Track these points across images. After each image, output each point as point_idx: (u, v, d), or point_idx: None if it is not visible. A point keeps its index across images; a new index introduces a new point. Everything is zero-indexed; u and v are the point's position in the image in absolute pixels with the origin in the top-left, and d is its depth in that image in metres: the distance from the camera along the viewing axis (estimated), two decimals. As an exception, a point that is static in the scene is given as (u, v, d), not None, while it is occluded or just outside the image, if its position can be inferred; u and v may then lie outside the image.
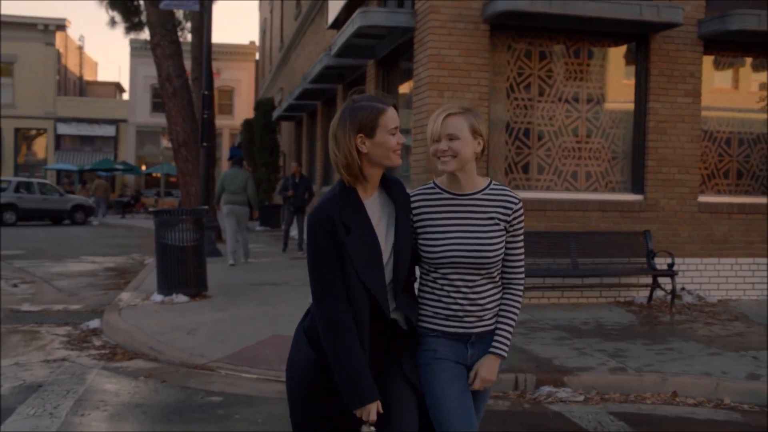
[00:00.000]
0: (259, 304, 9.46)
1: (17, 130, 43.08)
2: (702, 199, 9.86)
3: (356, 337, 2.52)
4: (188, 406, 5.45)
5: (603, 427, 5.20)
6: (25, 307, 9.92)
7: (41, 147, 44.56)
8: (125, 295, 10.21)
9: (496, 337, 2.77)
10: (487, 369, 2.75)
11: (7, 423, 4.91)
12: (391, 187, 2.77)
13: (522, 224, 2.80)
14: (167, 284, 9.74)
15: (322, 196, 2.67)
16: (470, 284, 2.73)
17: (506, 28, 9.24)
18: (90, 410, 5.28)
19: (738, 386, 6.09)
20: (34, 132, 44.15)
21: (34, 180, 30.73)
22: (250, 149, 29.02)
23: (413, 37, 9.64)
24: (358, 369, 2.51)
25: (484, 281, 2.74)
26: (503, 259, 2.79)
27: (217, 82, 43.64)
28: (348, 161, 2.59)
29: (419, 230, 2.77)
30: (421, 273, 2.84)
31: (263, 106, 27.34)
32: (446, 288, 2.74)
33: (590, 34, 9.52)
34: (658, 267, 9.31)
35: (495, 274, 2.78)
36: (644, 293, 9.54)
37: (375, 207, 2.69)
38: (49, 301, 10.36)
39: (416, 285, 2.85)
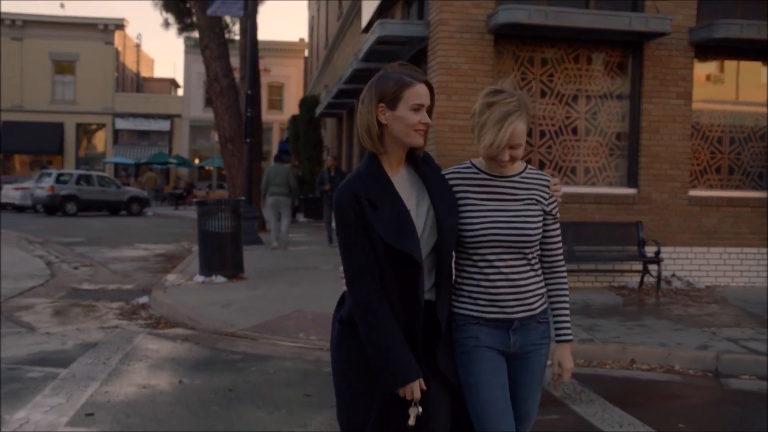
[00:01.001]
0: (289, 285, 10.61)
1: (78, 125, 45.26)
2: (692, 193, 10.70)
3: (392, 317, 2.46)
4: (214, 361, 6.63)
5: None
6: (85, 286, 11.23)
7: (101, 141, 46.70)
8: (171, 277, 11.47)
9: (559, 324, 2.75)
10: (567, 358, 2.73)
11: (71, 367, 6.16)
12: (419, 163, 2.67)
13: (557, 207, 2.78)
14: (207, 267, 10.96)
15: (348, 174, 2.63)
16: (511, 266, 2.66)
17: (510, 37, 10.22)
18: (135, 362, 6.50)
19: (687, 354, 7.00)
20: (94, 127, 46.29)
21: (94, 173, 32.55)
22: (295, 144, 30.35)
23: (427, 45, 10.69)
24: (397, 347, 2.43)
25: (524, 263, 2.69)
26: (542, 244, 2.76)
27: (268, 78, 45.28)
28: (369, 126, 2.54)
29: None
30: (458, 258, 2.75)
31: (307, 103, 28.61)
32: (486, 271, 2.67)
33: (588, 42, 10.43)
34: (648, 255, 10.20)
35: (533, 257, 2.73)
36: (637, 279, 10.44)
37: (403, 183, 2.61)
38: (105, 282, 11.67)
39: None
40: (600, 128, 10.70)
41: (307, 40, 46.01)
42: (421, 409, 2.45)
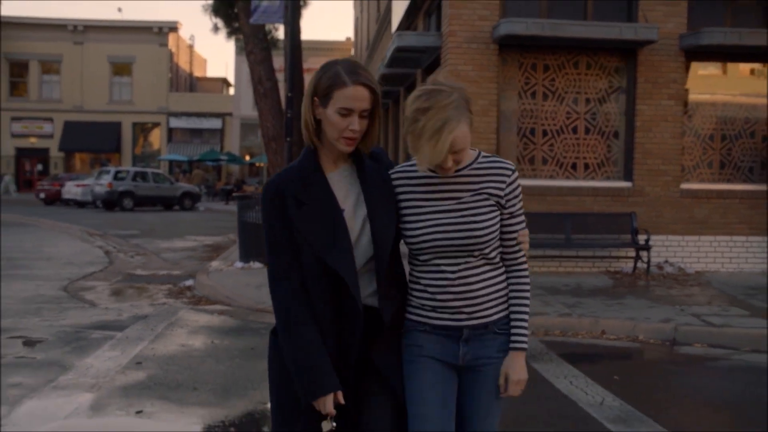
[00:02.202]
0: (317, 270, 11.88)
1: (135, 124, 47.43)
2: (684, 186, 11.65)
3: (311, 326, 2.32)
4: (243, 329, 7.94)
5: (529, 348, 7.30)
6: (139, 272, 12.67)
7: (156, 139, 48.80)
8: (214, 263, 12.86)
9: (514, 330, 2.48)
10: (516, 369, 2.46)
11: (125, 331, 7.53)
12: (364, 159, 2.47)
13: (519, 197, 2.50)
14: (246, 254, 12.32)
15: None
16: (460, 269, 2.43)
17: (513, 46, 11.30)
18: (177, 328, 7.84)
19: (650, 326, 8.03)
20: (149, 125, 48.39)
21: (149, 170, 34.40)
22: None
23: (440, 54, 11.84)
24: (313, 356, 2.31)
25: (479, 264, 2.44)
26: (502, 240, 2.49)
27: (314, 77, 46.77)
28: (305, 117, 2.39)
29: (400, 212, 2.48)
30: (409, 261, 2.54)
31: (347, 102, 29.90)
32: (434, 275, 2.44)
33: (586, 49, 11.45)
34: (640, 243, 11.20)
35: (492, 256, 2.47)
36: (631, 264, 11.45)
37: (341, 181, 2.44)
38: (157, 268, 13.10)
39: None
40: (598, 127, 11.72)
41: (353, 39, 47.35)
42: (335, 425, 2.34)
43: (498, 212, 2.45)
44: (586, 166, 11.72)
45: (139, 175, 32.38)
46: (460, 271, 2.42)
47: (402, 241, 2.52)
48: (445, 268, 2.43)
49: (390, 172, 2.52)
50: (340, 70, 2.33)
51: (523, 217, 2.52)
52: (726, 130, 11.99)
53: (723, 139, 11.97)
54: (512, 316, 2.51)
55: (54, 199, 35.02)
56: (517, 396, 2.49)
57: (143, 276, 12.14)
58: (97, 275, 12.12)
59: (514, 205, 2.48)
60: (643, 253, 11.20)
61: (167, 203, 32.82)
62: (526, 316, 2.51)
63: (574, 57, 11.58)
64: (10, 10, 60.31)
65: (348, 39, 51.60)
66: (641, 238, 11.27)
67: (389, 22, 20.77)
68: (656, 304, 9.15)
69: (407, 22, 15.91)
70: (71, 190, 33.52)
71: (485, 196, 2.43)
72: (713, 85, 12.11)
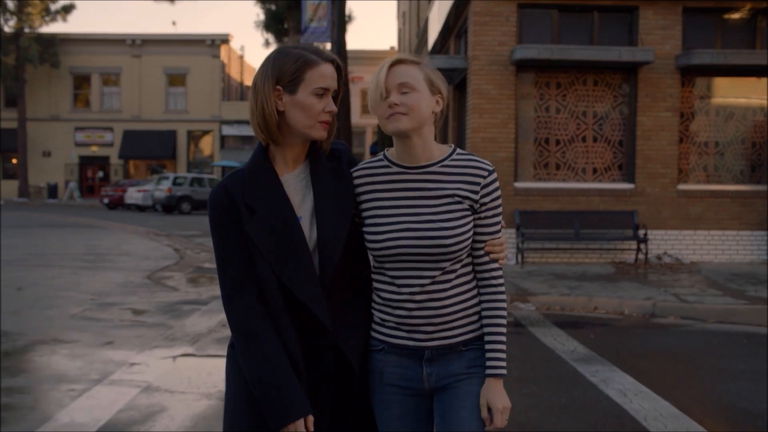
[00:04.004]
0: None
1: (189, 132, 50.02)
2: (681, 186, 13.28)
3: (277, 343, 2.10)
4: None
5: (529, 317, 9.08)
6: (207, 265, 14.68)
7: (208, 146, 51.33)
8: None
9: (490, 354, 2.23)
10: (498, 398, 2.21)
11: (207, 305, 9.53)
12: (321, 158, 2.25)
13: (497, 201, 2.22)
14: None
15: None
16: (425, 282, 2.17)
17: (529, 67, 13.07)
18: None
19: (634, 303, 9.73)
20: (199, 133, 50.96)
21: (205, 176, 36.77)
22: (382, 147, 33.75)
23: (466, 75, 13.66)
24: (280, 378, 2.08)
25: (447, 278, 2.19)
26: (474, 249, 2.24)
27: (361, 85, 48.91)
28: (265, 114, 2.13)
29: (362, 215, 2.26)
30: (372, 269, 2.31)
31: (389, 111, 31.88)
32: (396, 288, 2.21)
33: (593, 68, 13.16)
34: (641, 237, 12.87)
35: (460, 268, 2.22)
36: (633, 255, 13.11)
37: (296, 184, 2.21)
38: (222, 262, 15.11)
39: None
40: (604, 136, 13.41)
41: (396, 49, 49.27)
42: None
43: (471, 218, 2.21)
44: (594, 170, 13.42)
45: (196, 181, 34.72)
46: (425, 284, 2.19)
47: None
48: (408, 280, 2.20)
49: (352, 170, 2.31)
50: (302, 51, 2.17)
51: (499, 227, 2.27)
52: (719, 137, 13.58)
53: (716, 146, 13.57)
54: (487, 338, 2.25)
55: (116, 204, 37.51)
56: (504, 426, 2.24)
57: (212, 269, 14.12)
58: (172, 267, 14.17)
59: (488, 211, 2.23)
60: (643, 246, 12.86)
61: (222, 207, 34.96)
62: (503, 338, 2.25)
63: (583, 75, 13.30)
64: (74, 27, 63.53)
65: (392, 48, 53.48)
66: (641, 233, 12.93)
67: (426, 41, 22.62)
68: (645, 286, 10.83)
69: (441, 41, 17.76)
70: (133, 195, 35.97)
71: (457, 198, 2.19)
72: (707, 97, 13.69)
